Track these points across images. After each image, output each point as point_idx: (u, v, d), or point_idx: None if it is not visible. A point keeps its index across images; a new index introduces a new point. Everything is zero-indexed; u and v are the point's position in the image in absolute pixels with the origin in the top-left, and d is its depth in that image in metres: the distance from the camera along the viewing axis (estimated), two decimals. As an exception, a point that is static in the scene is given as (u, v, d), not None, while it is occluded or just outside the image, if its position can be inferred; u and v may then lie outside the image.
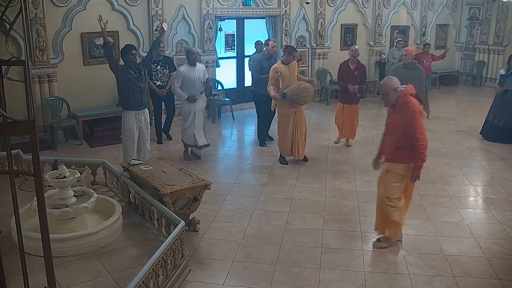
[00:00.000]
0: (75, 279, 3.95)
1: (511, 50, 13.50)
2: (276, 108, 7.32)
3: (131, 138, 6.25)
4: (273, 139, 8.36)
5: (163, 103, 8.40)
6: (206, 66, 9.61)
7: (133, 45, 6.29)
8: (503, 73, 8.55)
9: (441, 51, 12.66)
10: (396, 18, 13.03)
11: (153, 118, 8.46)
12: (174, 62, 8.71)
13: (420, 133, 4.36)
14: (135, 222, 5.00)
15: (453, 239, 4.93)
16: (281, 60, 7.04)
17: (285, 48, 7.31)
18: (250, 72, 9.07)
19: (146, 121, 6.35)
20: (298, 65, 7.50)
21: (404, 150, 4.46)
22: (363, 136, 8.67)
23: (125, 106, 6.21)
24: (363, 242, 4.85)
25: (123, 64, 6.14)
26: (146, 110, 6.38)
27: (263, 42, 9.31)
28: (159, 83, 8.08)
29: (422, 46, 12.19)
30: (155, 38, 7.56)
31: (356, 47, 8.13)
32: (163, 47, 8.30)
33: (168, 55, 8.80)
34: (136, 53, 6.18)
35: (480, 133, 8.77)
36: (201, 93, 7.09)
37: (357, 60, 7.94)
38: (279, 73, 6.85)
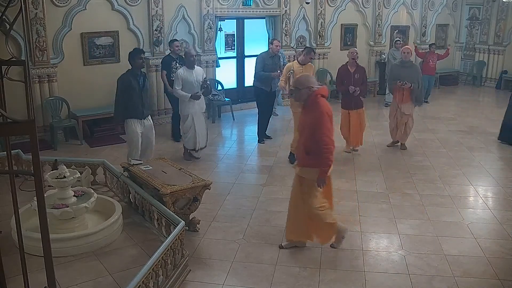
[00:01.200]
0: (75, 279, 3.95)
1: (511, 50, 13.55)
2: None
3: (134, 142, 6.25)
4: (271, 138, 8.42)
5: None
6: (206, 66, 9.66)
7: (142, 49, 6.34)
8: None
9: (441, 51, 12.65)
10: (396, 18, 13.03)
11: (172, 115, 8.49)
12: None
13: (326, 136, 4.20)
14: (135, 222, 5.00)
15: (453, 239, 4.93)
16: (297, 60, 7.19)
17: (303, 48, 7.39)
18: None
19: (150, 125, 6.36)
20: (313, 68, 7.62)
21: (314, 154, 4.28)
22: (363, 136, 8.64)
23: (125, 116, 6.19)
24: (363, 242, 4.85)
25: (129, 69, 6.16)
26: (149, 117, 6.39)
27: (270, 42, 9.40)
28: None
29: (428, 46, 12.20)
30: None
31: (356, 49, 7.98)
32: (178, 45, 8.36)
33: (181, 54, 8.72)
34: (144, 57, 6.21)
35: (498, 139, 8.48)
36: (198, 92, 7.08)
37: (356, 62, 7.64)
38: (291, 71, 6.98)
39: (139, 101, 6.12)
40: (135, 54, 6.09)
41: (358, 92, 7.49)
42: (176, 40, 8.59)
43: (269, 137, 8.44)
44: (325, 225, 4.54)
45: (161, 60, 8.55)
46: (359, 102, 7.63)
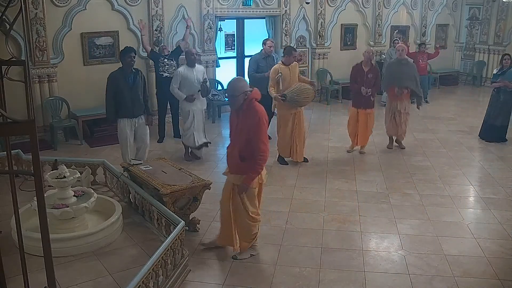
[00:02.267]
0: (75, 279, 3.95)
1: (511, 50, 13.53)
2: (276, 109, 7.33)
3: (124, 140, 6.28)
4: (271, 138, 8.39)
5: (168, 102, 8.38)
6: (206, 66, 9.65)
7: (133, 48, 6.32)
8: (495, 72, 8.69)
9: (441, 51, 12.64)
10: (396, 18, 13.02)
11: (157, 117, 8.46)
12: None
13: (263, 142, 4.09)
14: (135, 222, 5.00)
15: (453, 239, 4.93)
16: (282, 61, 7.02)
17: (284, 49, 7.28)
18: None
19: (141, 124, 6.34)
20: (298, 66, 7.48)
21: (250, 160, 4.14)
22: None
23: (117, 116, 6.17)
24: (363, 242, 4.85)
25: (120, 67, 6.16)
26: (141, 116, 6.33)
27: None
28: (166, 74, 8.09)
29: (417, 45, 12.21)
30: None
31: (372, 49, 7.92)
32: (164, 46, 8.49)
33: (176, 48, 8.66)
34: (134, 56, 6.20)
35: (479, 135, 8.73)
36: (198, 91, 7.08)
37: (371, 62, 7.60)
38: (280, 74, 6.85)
39: (129, 100, 6.09)
40: (125, 53, 6.10)
41: (370, 93, 7.48)
42: (162, 45, 8.74)
43: (269, 137, 8.41)
44: (248, 236, 4.45)
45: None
46: (369, 102, 7.59)
